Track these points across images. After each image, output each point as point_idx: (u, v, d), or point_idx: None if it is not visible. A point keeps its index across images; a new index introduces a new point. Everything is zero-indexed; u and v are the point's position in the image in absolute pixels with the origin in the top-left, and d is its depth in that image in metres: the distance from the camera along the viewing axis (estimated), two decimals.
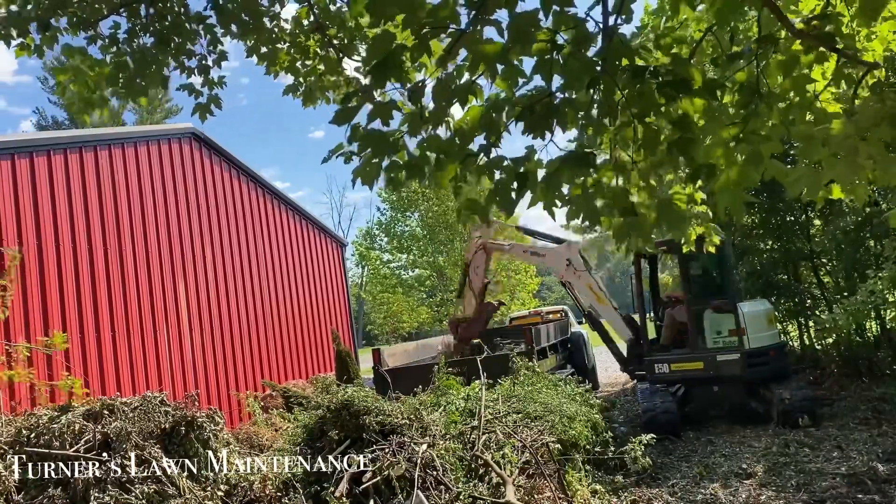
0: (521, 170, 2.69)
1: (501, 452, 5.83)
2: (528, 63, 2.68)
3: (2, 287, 7.01)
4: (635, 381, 11.69)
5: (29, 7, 4.44)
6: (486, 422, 6.41)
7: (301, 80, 5.48)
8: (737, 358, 9.42)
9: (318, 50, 5.33)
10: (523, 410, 7.09)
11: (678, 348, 10.31)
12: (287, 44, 5.25)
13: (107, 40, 4.67)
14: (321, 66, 5.38)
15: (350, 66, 5.41)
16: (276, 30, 5.16)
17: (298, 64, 5.40)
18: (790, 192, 2.42)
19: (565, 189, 2.76)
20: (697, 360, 9.75)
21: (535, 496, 5.67)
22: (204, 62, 5.04)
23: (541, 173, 2.72)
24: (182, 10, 4.72)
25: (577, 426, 7.12)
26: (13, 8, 4.47)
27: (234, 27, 4.87)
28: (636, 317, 11.35)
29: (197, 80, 5.08)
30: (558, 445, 6.48)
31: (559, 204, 2.78)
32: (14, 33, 4.50)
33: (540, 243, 12.62)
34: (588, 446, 7.12)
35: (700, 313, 9.95)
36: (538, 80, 2.66)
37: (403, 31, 2.75)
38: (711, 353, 9.66)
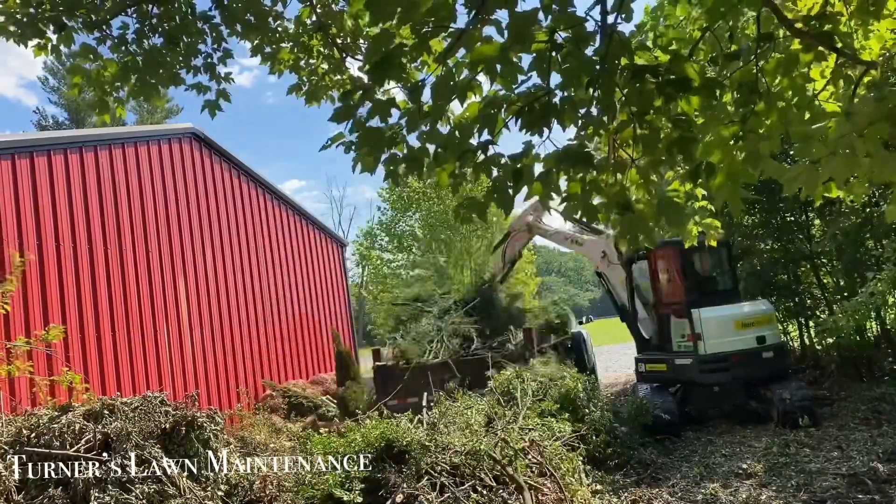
0: (518, 166, 2.69)
1: (514, 453, 5.86)
2: (526, 60, 2.68)
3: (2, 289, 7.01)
4: (637, 381, 11.71)
5: (43, 7, 4.49)
6: (501, 428, 6.45)
7: (304, 78, 5.49)
8: (690, 363, 9.56)
9: (321, 49, 5.34)
10: (533, 410, 7.15)
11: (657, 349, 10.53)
12: (290, 43, 5.27)
13: (116, 40, 4.71)
14: (324, 66, 5.40)
15: (354, 65, 5.44)
16: (279, 29, 5.17)
17: (302, 63, 5.41)
18: (787, 190, 2.42)
19: (563, 185, 2.76)
20: (662, 363, 10.00)
21: (538, 496, 5.69)
22: (209, 60, 5.06)
23: (538, 168, 2.72)
24: (189, 10, 4.74)
25: (582, 428, 7.17)
26: (30, 10, 4.51)
27: (238, 27, 4.89)
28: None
29: (203, 77, 5.10)
30: (564, 450, 6.50)
31: (555, 198, 2.79)
32: (30, 33, 4.54)
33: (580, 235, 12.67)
34: (591, 448, 7.15)
35: (667, 317, 10.16)
36: (537, 78, 2.66)
37: (403, 29, 2.76)
38: (672, 356, 9.89)
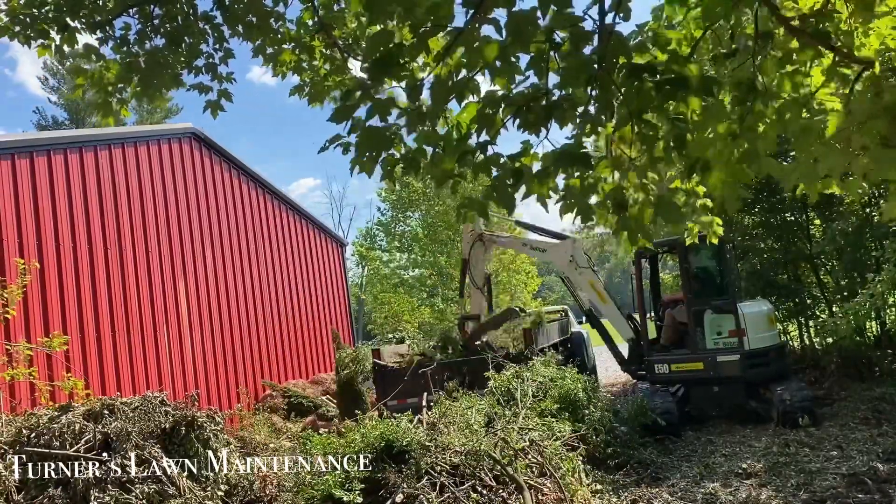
0: (517, 166, 2.70)
1: (514, 453, 5.87)
2: (523, 60, 2.69)
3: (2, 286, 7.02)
4: (636, 381, 11.72)
5: (46, 8, 4.51)
6: (501, 428, 6.46)
7: (306, 80, 5.50)
8: (736, 359, 9.45)
9: (322, 50, 5.35)
10: (533, 410, 7.17)
11: (678, 348, 10.34)
12: (292, 44, 5.28)
13: (118, 40, 4.73)
14: (326, 67, 5.40)
15: (356, 66, 5.44)
16: (281, 30, 5.18)
17: (304, 64, 5.42)
18: (785, 185, 2.42)
19: (560, 183, 2.77)
20: (697, 361, 9.80)
21: (538, 496, 5.69)
22: (211, 60, 5.07)
23: (537, 167, 2.73)
24: (191, 10, 4.75)
25: (582, 428, 7.20)
26: (33, 11, 4.53)
27: (239, 28, 4.90)
28: (636, 317, 11.36)
29: (205, 77, 5.11)
30: (564, 450, 6.51)
31: (553, 196, 2.79)
32: (33, 34, 4.56)
33: (541, 238, 12.40)
34: (591, 448, 7.16)
35: (700, 314, 9.95)
36: (534, 77, 2.67)
37: (402, 28, 2.76)
38: (711, 353, 9.68)
